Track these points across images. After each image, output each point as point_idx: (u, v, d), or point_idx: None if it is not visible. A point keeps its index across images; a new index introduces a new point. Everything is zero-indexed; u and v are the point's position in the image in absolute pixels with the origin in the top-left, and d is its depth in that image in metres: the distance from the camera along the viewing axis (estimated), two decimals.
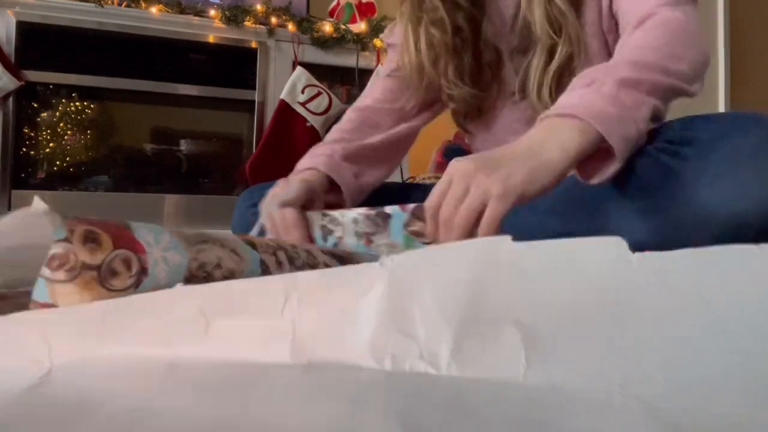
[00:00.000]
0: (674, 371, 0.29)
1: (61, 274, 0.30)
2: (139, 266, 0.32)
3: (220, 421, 0.24)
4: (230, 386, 0.27)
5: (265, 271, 0.39)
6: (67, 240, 0.30)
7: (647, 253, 0.30)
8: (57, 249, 0.30)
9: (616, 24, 0.73)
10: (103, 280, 0.31)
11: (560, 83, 0.72)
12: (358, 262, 0.47)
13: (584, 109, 0.51)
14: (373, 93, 0.92)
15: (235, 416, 0.25)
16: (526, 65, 0.75)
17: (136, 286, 0.32)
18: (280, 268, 0.40)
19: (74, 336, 0.28)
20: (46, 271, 0.30)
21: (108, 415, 0.24)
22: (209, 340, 0.28)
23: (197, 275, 0.34)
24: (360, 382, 0.28)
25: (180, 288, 0.29)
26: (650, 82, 0.53)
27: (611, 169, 0.52)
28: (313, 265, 0.43)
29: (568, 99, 0.54)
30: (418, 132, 0.96)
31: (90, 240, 0.31)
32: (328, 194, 0.79)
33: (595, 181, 0.55)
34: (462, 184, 0.49)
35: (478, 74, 0.82)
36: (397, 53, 0.87)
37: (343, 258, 0.50)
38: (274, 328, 0.28)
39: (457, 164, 0.50)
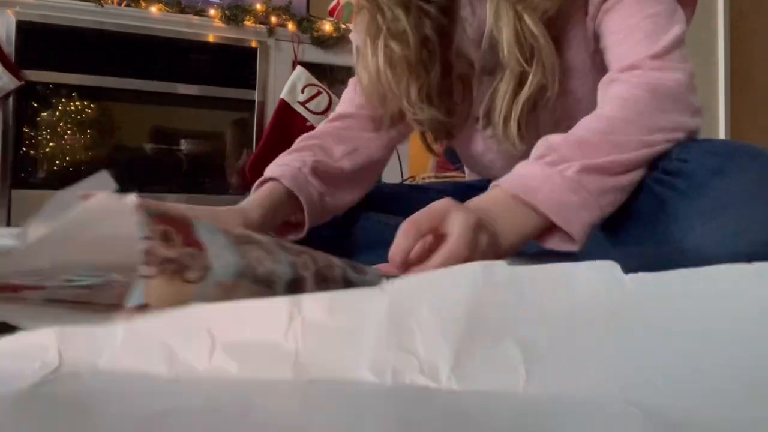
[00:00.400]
0: (674, 378, 0.29)
1: (153, 270, 0.32)
2: (203, 262, 0.34)
3: (220, 426, 0.25)
4: (231, 397, 0.28)
5: (295, 273, 0.40)
6: (148, 237, 0.32)
7: (640, 274, 0.31)
8: (145, 245, 0.31)
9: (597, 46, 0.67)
10: (182, 273, 0.33)
11: (531, 116, 0.65)
12: (367, 282, 0.46)
13: (544, 199, 0.50)
14: (352, 98, 0.81)
15: (235, 424, 0.25)
16: (492, 91, 0.67)
17: (202, 280, 0.34)
18: (306, 269, 0.41)
19: (85, 347, 0.29)
20: (144, 269, 0.31)
21: (112, 419, 0.24)
22: (214, 357, 0.29)
23: (245, 273, 0.36)
24: (360, 395, 0.28)
25: (188, 307, 0.30)
26: (620, 163, 0.52)
27: (569, 247, 0.52)
28: (328, 277, 0.44)
29: (527, 174, 0.53)
30: (394, 148, 0.86)
31: (166, 237, 0.33)
32: (289, 211, 0.71)
33: (549, 246, 0.54)
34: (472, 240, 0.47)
35: (446, 94, 0.73)
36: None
37: (355, 271, 0.49)
38: (277, 348, 0.29)
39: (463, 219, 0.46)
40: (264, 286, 0.36)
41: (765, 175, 0.49)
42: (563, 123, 0.63)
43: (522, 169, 0.54)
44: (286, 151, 0.75)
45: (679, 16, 0.62)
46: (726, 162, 0.51)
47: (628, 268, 0.47)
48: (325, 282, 0.41)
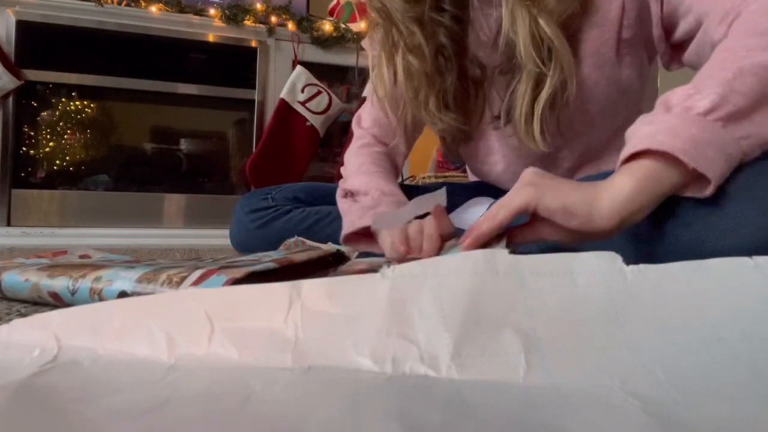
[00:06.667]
0: (672, 369, 0.29)
1: None
2: None
3: (218, 414, 0.24)
4: (230, 384, 0.27)
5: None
6: None
7: (641, 266, 0.31)
8: None
9: (666, 34, 0.63)
10: None
11: (551, 115, 0.66)
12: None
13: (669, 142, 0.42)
14: (368, 133, 0.89)
15: (234, 411, 0.25)
16: (512, 91, 0.67)
17: None
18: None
19: (85, 332, 0.29)
20: None
21: (109, 404, 0.24)
22: (213, 343, 0.29)
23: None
24: (360, 383, 0.28)
25: (190, 290, 0.30)
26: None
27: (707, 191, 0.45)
28: None
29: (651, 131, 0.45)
30: (412, 142, 0.92)
31: None
32: None
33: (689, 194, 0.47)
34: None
35: (462, 98, 0.74)
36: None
37: None
38: (276, 335, 0.29)
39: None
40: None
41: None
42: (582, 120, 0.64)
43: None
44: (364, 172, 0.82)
45: None
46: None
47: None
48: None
